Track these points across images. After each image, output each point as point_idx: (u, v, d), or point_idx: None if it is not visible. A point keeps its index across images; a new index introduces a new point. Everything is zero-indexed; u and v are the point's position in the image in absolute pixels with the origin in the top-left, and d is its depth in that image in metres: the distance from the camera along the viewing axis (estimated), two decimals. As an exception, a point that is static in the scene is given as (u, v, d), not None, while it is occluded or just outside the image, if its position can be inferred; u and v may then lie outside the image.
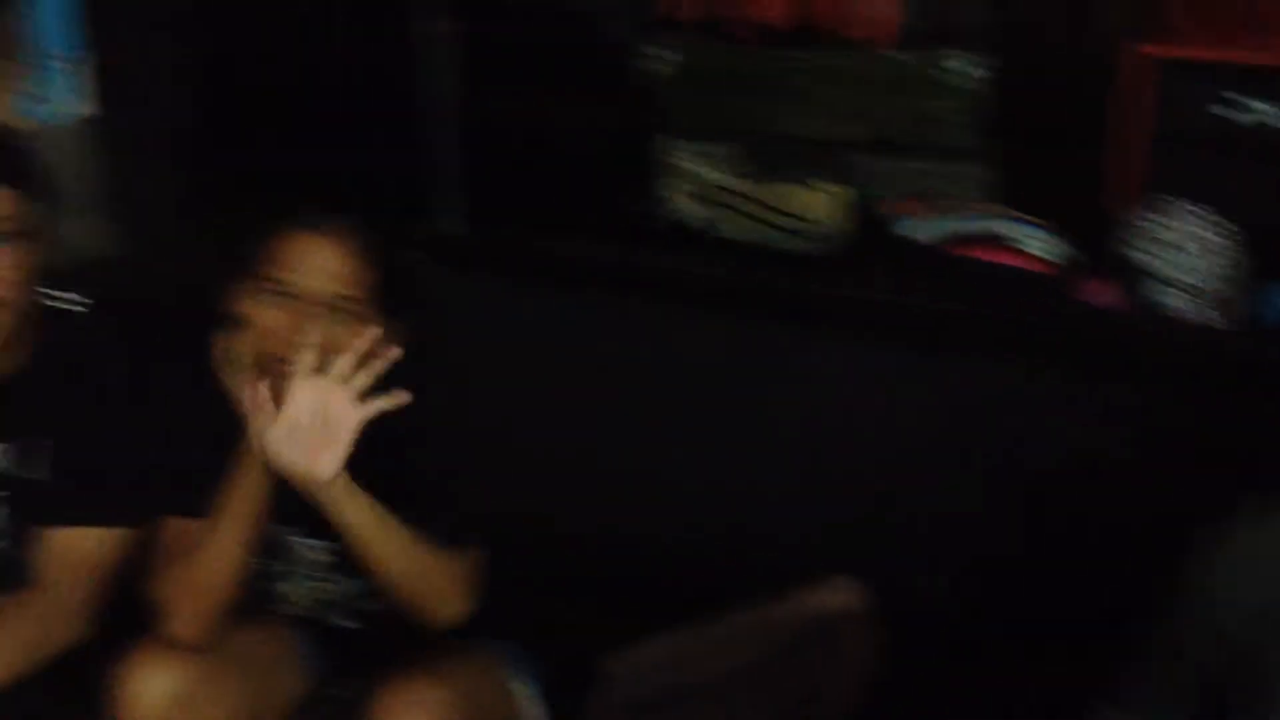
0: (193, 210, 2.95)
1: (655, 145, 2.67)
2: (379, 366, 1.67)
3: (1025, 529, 2.17)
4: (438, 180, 2.64)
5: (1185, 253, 2.27)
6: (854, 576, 2.10)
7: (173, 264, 2.84)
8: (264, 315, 1.75)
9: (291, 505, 1.76)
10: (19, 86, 3.20)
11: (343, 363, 1.65)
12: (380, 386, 1.70)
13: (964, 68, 2.68)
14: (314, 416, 1.62)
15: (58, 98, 3.16)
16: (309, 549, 1.90)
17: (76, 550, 1.81)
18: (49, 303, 1.87)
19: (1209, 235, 2.27)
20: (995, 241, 2.42)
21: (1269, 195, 2.32)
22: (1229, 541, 1.26)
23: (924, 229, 2.47)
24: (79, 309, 1.90)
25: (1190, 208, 2.30)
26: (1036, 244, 2.41)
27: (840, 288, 2.41)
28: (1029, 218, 2.46)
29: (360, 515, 1.71)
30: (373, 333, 1.71)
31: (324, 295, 1.74)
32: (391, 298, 1.81)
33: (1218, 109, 2.37)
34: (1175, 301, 2.26)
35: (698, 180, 2.60)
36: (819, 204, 2.52)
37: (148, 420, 1.86)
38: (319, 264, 1.74)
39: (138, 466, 1.85)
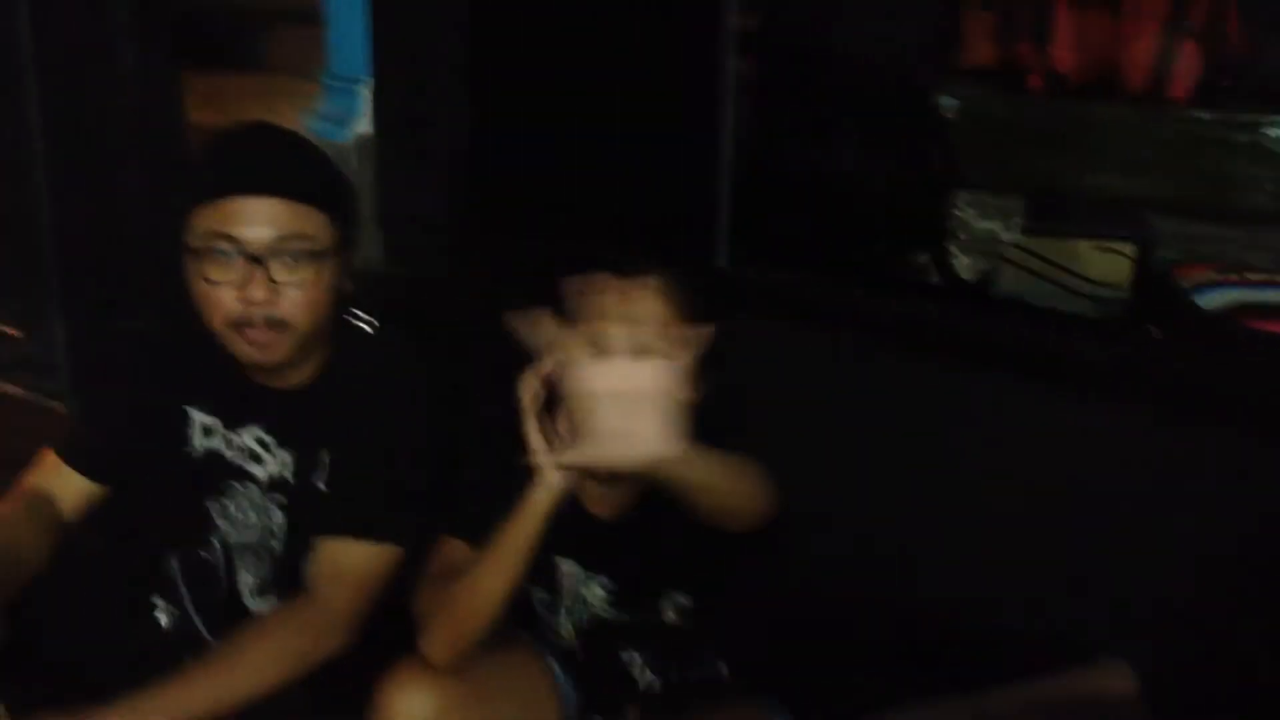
0: (467, 230, 3.00)
1: (940, 194, 2.59)
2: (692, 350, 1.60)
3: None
4: (716, 218, 2.61)
5: None
6: (1122, 656, 1.97)
7: (446, 280, 2.91)
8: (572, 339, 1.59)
9: (568, 537, 1.75)
10: (311, 106, 3.34)
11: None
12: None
13: (1275, 130, 2.55)
14: (635, 399, 1.48)
15: (346, 118, 3.27)
16: (582, 582, 1.89)
17: (348, 562, 1.82)
18: (345, 320, 1.91)
19: None
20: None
21: None
22: None
23: (1216, 296, 2.34)
24: (369, 327, 1.94)
25: None
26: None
27: (1119, 352, 2.27)
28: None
29: (706, 471, 1.60)
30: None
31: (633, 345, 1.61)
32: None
33: None
34: None
35: (979, 232, 2.52)
36: (1105, 264, 2.41)
37: (431, 440, 1.89)
38: (630, 313, 1.64)
39: (417, 486, 1.87)
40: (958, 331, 2.29)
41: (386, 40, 3.15)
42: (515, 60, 2.95)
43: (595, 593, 1.89)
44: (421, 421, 1.88)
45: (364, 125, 3.24)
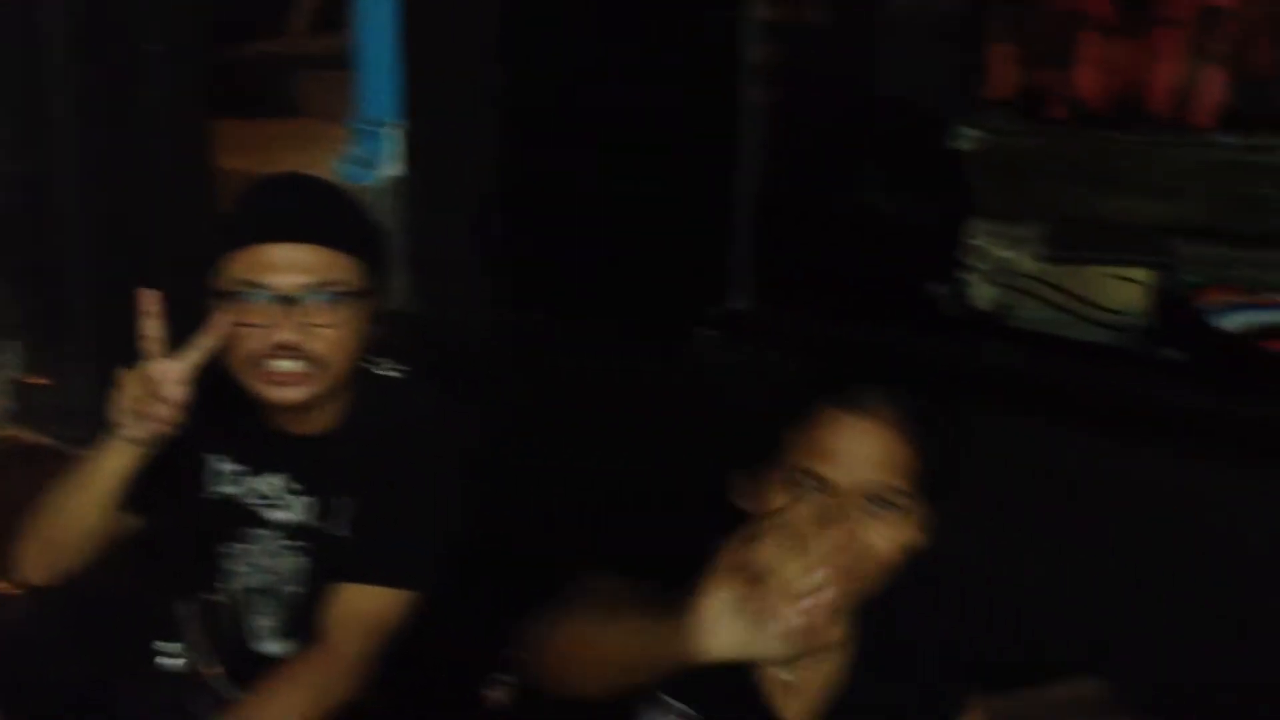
0: (498, 273, 3.02)
1: (961, 226, 2.59)
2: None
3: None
4: (735, 255, 2.62)
5: None
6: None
7: (471, 323, 2.94)
8: (795, 508, 1.37)
9: None
10: (343, 150, 3.38)
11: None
12: None
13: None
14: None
15: (377, 161, 3.31)
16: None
17: (365, 609, 1.84)
18: (367, 366, 1.93)
19: None
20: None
21: None
22: None
23: (1236, 318, 2.33)
24: (395, 374, 1.96)
25: None
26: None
27: (1139, 384, 2.26)
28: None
29: None
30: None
31: (867, 487, 1.46)
32: (933, 482, 1.51)
33: None
34: None
35: (998, 262, 2.52)
36: (1123, 292, 2.41)
37: (452, 487, 1.91)
38: (863, 453, 1.46)
39: (437, 532, 1.89)
40: (975, 364, 2.30)
41: (417, 83, 3.19)
42: (546, 101, 2.99)
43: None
44: (444, 468, 1.91)
45: (393, 168, 3.29)
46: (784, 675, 1.55)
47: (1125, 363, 2.38)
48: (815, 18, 2.99)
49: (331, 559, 1.88)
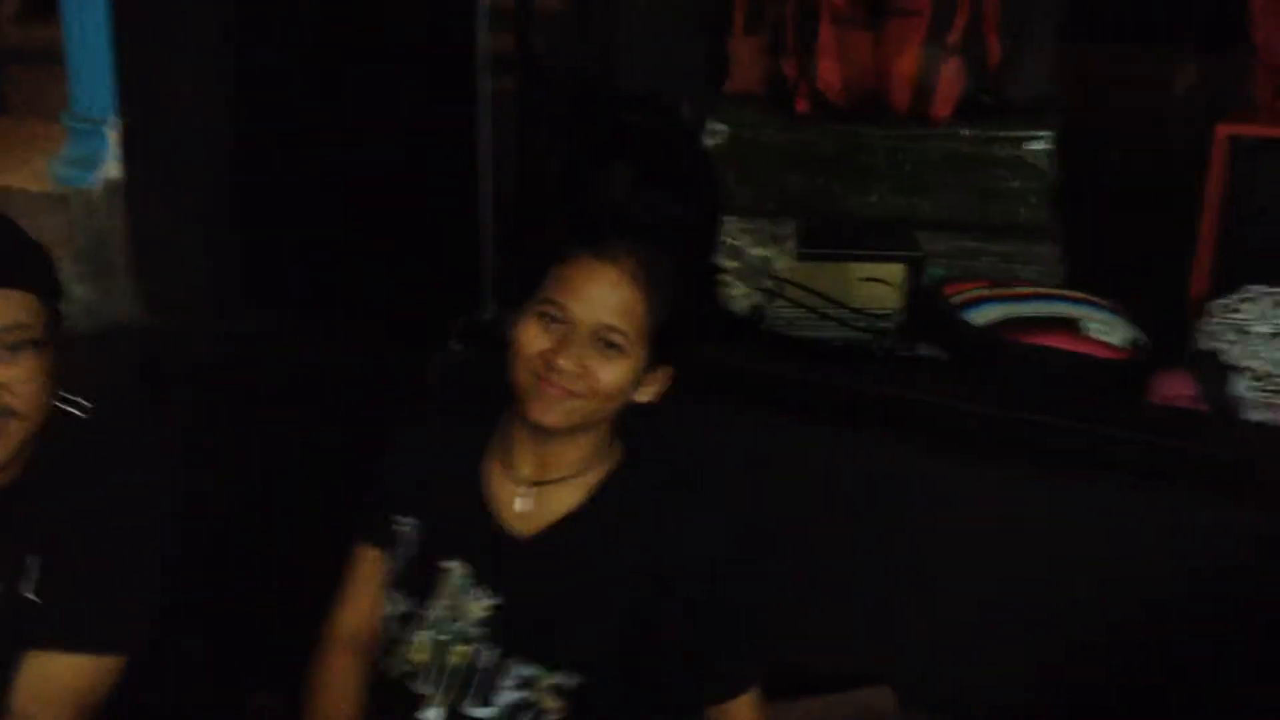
0: (228, 278, 2.85)
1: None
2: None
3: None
4: (482, 263, 2.50)
5: (1267, 341, 2.14)
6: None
7: (202, 330, 2.76)
8: (529, 338, 1.62)
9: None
10: (57, 150, 3.15)
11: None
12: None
13: (1035, 144, 2.58)
14: None
15: (97, 162, 3.09)
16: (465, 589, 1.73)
17: (60, 679, 1.62)
18: (54, 405, 1.68)
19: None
20: (1060, 325, 2.30)
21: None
22: None
23: (985, 312, 2.34)
24: (79, 413, 1.72)
25: (1275, 293, 2.18)
26: (1104, 329, 2.29)
27: (887, 384, 2.25)
28: (1098, 300, 2.34)
29: None
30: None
31: (596, 325, 1.61)
32: (665, 338, 1.66)
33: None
34: (1252, 394, 2.13)
35: (753, 260, 2.48)
36: (873, 291, 2.39)
37: (142, 539, 1.69)
38: (598, 293, 1.61)
39: (141, 585, 1.68)
40: (731, 368, 2.24)
41: (134, 75, 2.98)
42: (277, 92, 2.82)
43: (476, 605, 1.70)
44: (139, 514, 1.69)
45: (113, 169, 3.08)
46: (518, 502, 1.70)
47: (876, 362, 2.36)
48: (556, 7, 2.91)
49: (18, 626, 1.64)
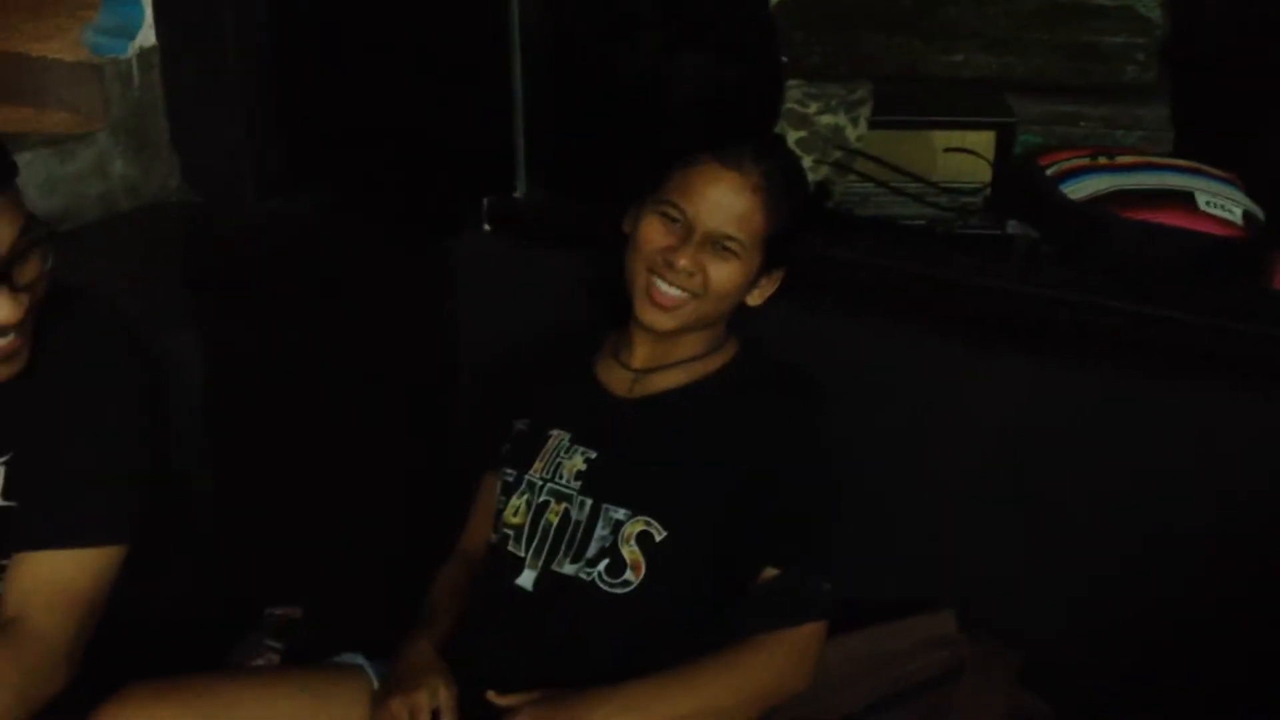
0: (268, 153, 2.69)
1: (773, 88, 2.29)
2: None
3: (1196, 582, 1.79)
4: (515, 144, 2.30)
5: None
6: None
7: (240, 209, 2.62)
8: (650, 235, 1.69)
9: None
10: (91, 17, 2.98)
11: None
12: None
13: (1143, -5, 2.29)
14: None
15: (132, 29, 2.93)
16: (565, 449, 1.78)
17: (59, 578, 1.52)
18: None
19: None
20: (1172, 199, 2.03)
21: None
22: None
23: (1085, 184, 2.09)
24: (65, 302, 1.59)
25: None
26: (1227, 205, 2.02)
27: (971, 269, 2.01)
28: (1214, 171, 2.07)
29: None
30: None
31: (714, 229, 1.67)
32: (780, 244, 1.72)
33: None
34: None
35: (823, 128, 2.24)
36: (958, 162, 2.15)
37: (123, 426, 1.59)
38: (719, 198, 1.67)
39: (116, 479, 1.57)
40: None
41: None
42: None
43: (572, 462, 1.73)
44: (122, 396, 1.59)
45: (150, 37, 2.91)
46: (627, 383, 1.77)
47: (960, 244, 2.12)
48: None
49: (7, 525, 1.55)
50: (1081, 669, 1.79)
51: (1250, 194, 2.07)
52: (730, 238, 1.66)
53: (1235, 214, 2.03)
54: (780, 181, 1.69)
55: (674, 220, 1.67)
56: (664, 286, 1.67)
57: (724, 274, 1.67)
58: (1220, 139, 2.25)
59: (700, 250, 1.66)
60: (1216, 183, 2.06)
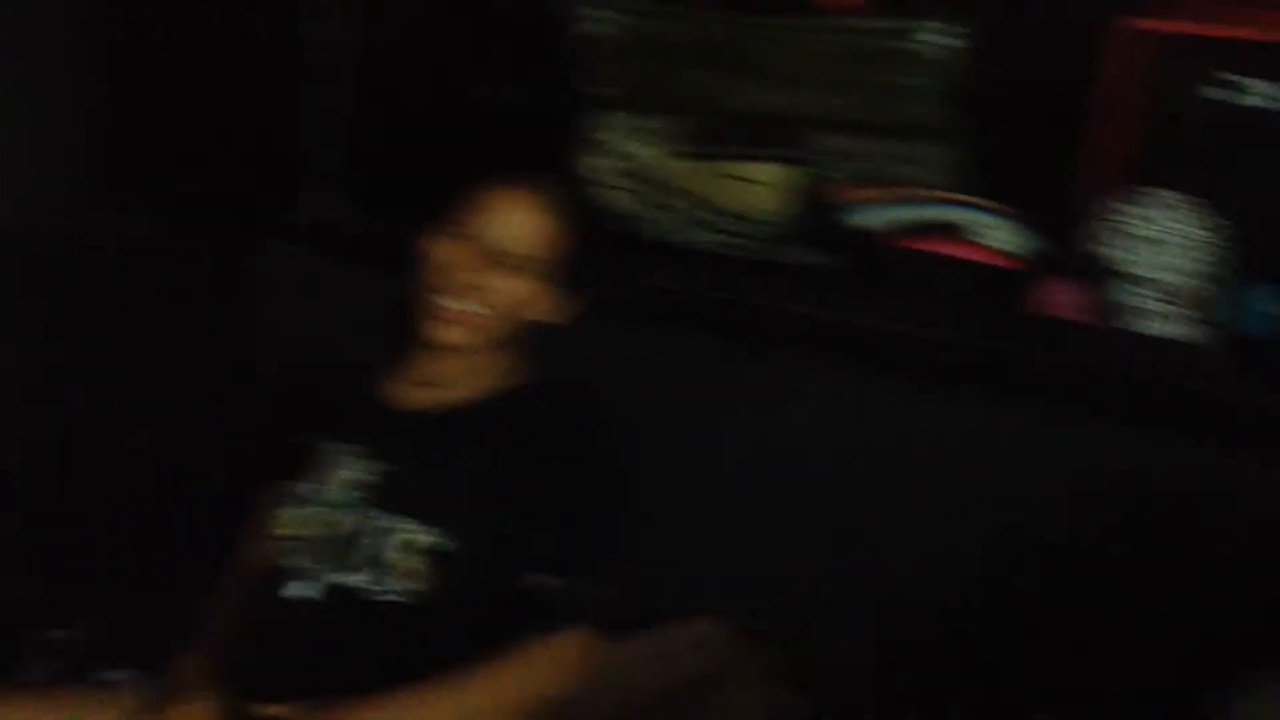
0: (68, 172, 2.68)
1: (583, 120, 2.36)
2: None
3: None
4: (316, 161, 2.34)
5: (1163, 249, 2.02)
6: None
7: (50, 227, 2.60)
8: (439, 255, 1.74)
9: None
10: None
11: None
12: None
13: (937, 38, 2.40)
14: None
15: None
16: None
17: None
18: None
19: (1191, 229, 2.02)
20: (952, 231, 2.16)
21: (1264, 186, 2.05)
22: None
23: (875, 216, 2.20)
24: None
25: (1173, 199, 2.05)
26: (998, 235, 2.15)
27: (761, 292, 2.11)
28: (993, 205, 2.20)
29: None
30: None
31: (509, 250, 1.74)
32: (575, 266, 1.80)
33: (1212, 90, 2.12)
34: (1147, 304, 2.00)
35: (627, 158, 2.31)
36: (750, 194, 2.24)
37: None
38: (510, 217, 1.73)
39: None
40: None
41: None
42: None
43: (351, 473, 1.75)
44: None
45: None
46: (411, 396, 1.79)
47: (753, 271, 2.21)
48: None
49: None
50: (840, 668, 1.88)
51: (1030, 227, 2.19)
52: (518, 256, 1.70)
53: (1011, 245, 2.15)
54: (570, 204, 1.76)
55: (464, 239, 1.71)
56: (452, 303, 1.71)
57: (511, 292, 1.72)
58: (1007, 177, 2.36)
59: (488, 268, 1.70)
60: (997, 217, 2.18)
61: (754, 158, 2.29)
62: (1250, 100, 2.11)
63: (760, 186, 2.24)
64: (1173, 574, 1.75)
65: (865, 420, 1.95)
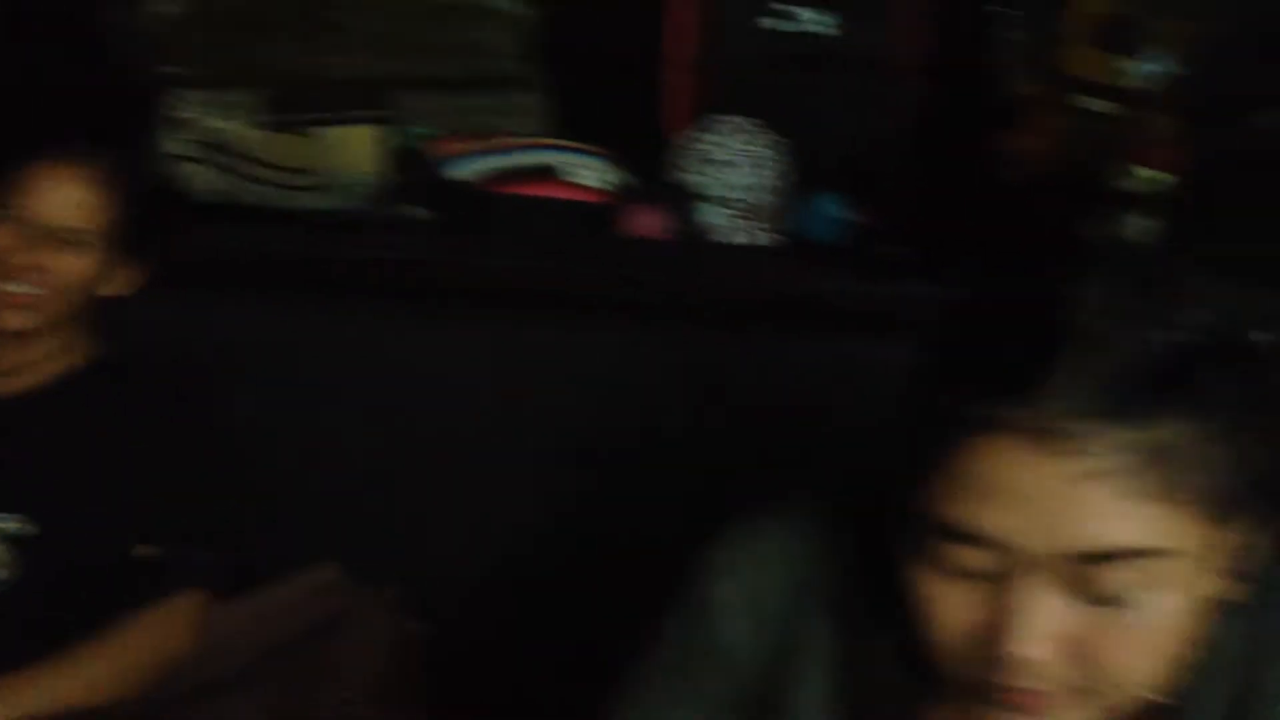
0: None
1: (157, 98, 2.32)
2: None
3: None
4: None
5: (735, 170, 2.17)
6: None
7: None
8: None
9: None
10: None
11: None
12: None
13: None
14: None
15: None
16: None
17: None
18: None
19: (757, 150, 2.18)
20: (545, 174, 2.25)
21: (816, 105, 2.24)
22: (723, 552, 1.00)
23: (469, 167, 2.26)
24: None
25: (739, 123, 2.20)
26: (588, 173, 2.26)
27: (364, 249, 2.15)
28: (581, 146, 2.30)
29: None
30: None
31: (58, 226, 1.68)
32: (133, 236, 1.74)
33: (766, 20, 2.27)
34: (725, 220, 2.16)
35: (213, 135, 2.28)
36: (342, 156, 2.26)
37: None
38: (58, 195, 1.68)
39: None
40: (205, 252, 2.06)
41: None
42: None
43: None
44: None
45: None
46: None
47: (354, 229, 2.24)
48: None
49: None
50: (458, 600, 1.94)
51: (619, 163, 2.30)
52: (68, 230, 1.67)
53: (602, 181, 2.26)
54: (122, 173, 1.72)
55: (11, 220, 1.67)
56: (7, 287, 1.66)
57: (66, 269, 1.68)
58: (596, 119, 2.47)
59: (38, 247, 1.66)
60: (582, 155, 2.29)
61: (341, 121, 2.31)
62: (800, 27, 2.29)
63: (352, 149, 2.27)
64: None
65: (477, 358, 2.01)
